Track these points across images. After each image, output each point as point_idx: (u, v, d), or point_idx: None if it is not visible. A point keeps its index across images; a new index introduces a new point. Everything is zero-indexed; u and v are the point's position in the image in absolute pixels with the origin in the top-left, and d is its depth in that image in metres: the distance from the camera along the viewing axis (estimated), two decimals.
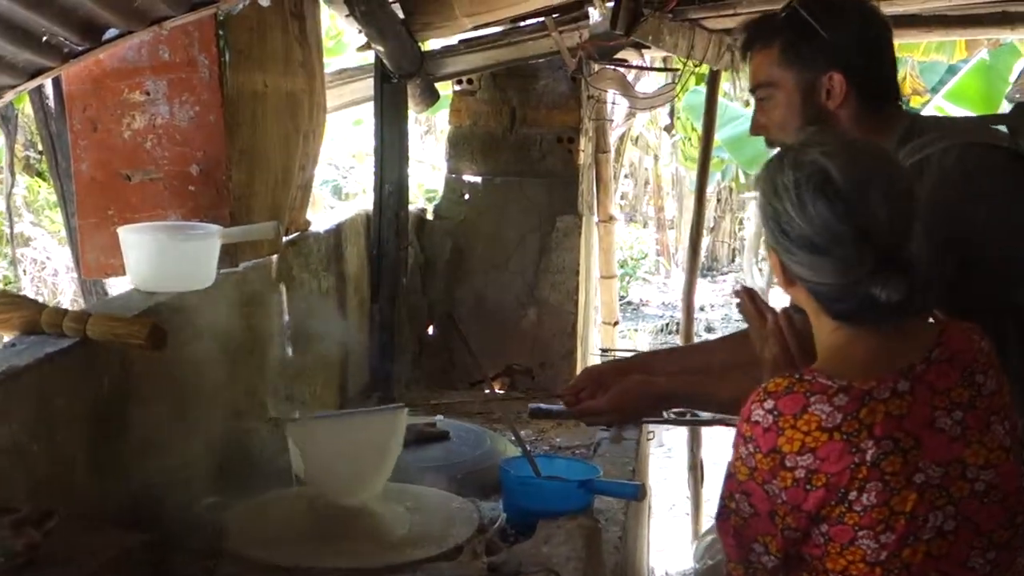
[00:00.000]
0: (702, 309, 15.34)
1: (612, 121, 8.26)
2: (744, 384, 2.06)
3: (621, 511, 2.99)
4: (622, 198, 21.35)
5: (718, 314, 15.27)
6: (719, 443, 7.32)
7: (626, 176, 16.49)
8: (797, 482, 1.76)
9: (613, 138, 8.84)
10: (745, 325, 2.39)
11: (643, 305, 15.94)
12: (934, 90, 9.42)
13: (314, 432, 2.81)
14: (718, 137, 8.80)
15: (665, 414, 3.79)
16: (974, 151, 2.29)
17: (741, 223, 15.79)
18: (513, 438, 3.12)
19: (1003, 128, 2.38)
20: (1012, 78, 8.11)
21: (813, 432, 1.76)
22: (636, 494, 2.82)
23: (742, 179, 10.72)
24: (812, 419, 1.76)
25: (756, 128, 2.51)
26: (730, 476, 1.88)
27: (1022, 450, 1.88)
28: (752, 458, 1.81)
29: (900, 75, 9.52)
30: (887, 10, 4.55)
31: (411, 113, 4.46)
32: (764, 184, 1.90)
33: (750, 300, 2.27)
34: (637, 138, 18.91)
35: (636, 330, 13.19)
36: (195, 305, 2.74)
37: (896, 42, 2.47)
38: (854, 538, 1.77)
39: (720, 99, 9.14)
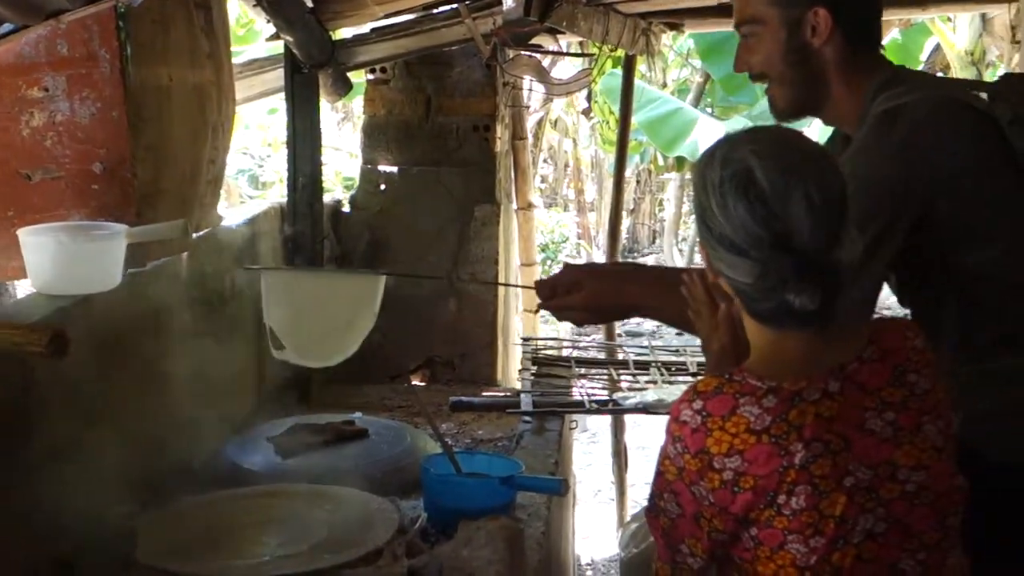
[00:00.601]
0: None
1: (529, 107, 8.23)
2: None
3: (544, 505, 2.95)
4: (542, 182, 21.35)
5: None
6: (643, 429, 7.34)
7: (545, 161, 16.50)
8: (725, 484, 1.74)
9: (531, 123, 8.82)
10: None
11: None
12: None
13: (288, 281, 2.77)
14: (635, 120, 8.79)
15: (587, 401, 3.78)
16: (950, 106, 2.30)
17: (661, 204, 15.86)
18: (433, 434, 3.08)
19: (983, 94, 2.38)
20: (923, 56, 8.20)
21: (742, 434, 1.73)
22: (559, 489, 2.80)
23: (660, 161, 10.74)
24: (741, 421, 1.74)
25: (740, 65, 2.45)
26: (660, 474, 1.85)
27: (955, 449, 1.86)
28: (680, 458, 1.78)
29: None
30: None
31: (326, 102, 4.39)
32: (695, 178, 1.88)
33: (701, 284, 2.15)
34: (556, 121, 18.90)
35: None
36: (100, 308, 2.64)
37: None
38: (783, 542, 1.74)
39: (637, 82, 9.18)
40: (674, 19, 5.02)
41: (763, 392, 1.75)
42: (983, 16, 6.94)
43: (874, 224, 2.14)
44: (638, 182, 18.36)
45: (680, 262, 11.16)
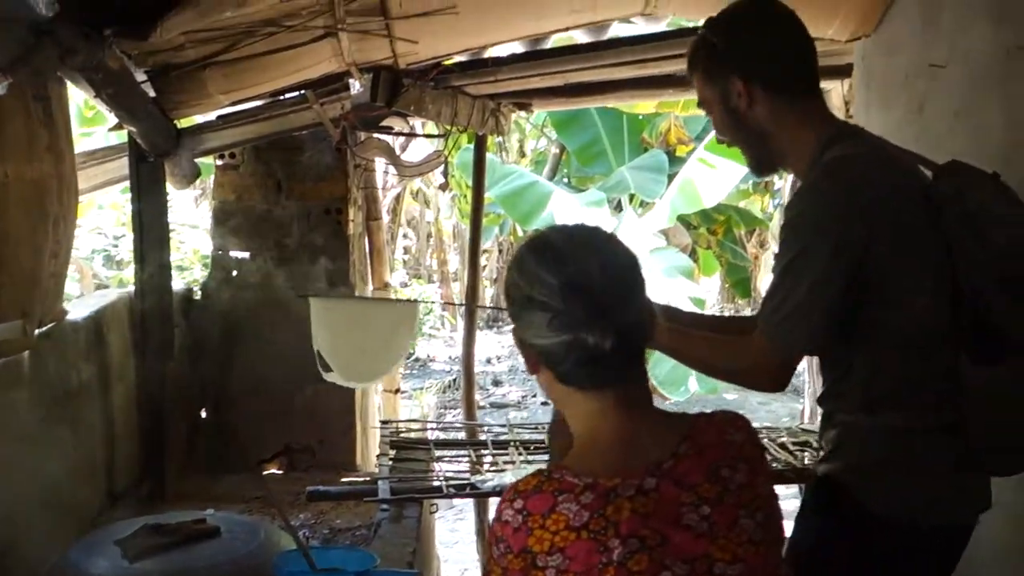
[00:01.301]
0: (488, 362, 15.41)
1: (387, 185, 8.25)
2: (718, 348, 2.44)
3: None
4: (405, 253, 21.35)
5: (504, 366, 15.36)
6: None
7: (405, 235, 16.51)
8: None
9: (388, 198, 8.83)
10: None
11: (430, 361, 15.88)
12: (699, 138, 9.77)
13: (332, 308, 2.97)
14: (492, 194, 8.86)
15: (445, 486, 3.74)
16: (891, 170, 2.44)
17: None
18: (288, 530, 3.02)
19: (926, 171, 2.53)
20: None
21: (562, 531, 1.73)
22: None
23: (520, 232, 10.83)
24: (560, 518, 1.74)
25: (718, 139, 2.67)
26: (488, 574, 1.83)
27: (779, 542, 1.86)
28: (504, 558, 1.77)
29: (665, 126, 9.76)
30: (645, 72, 4.71)
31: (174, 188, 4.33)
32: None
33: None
34: (418, 191, 18.95)
35: (423, 388, 13.11)
36: None
37: (656, 100, 2.59)
38: None
39: (492, 157, 9.28)
40: (522, 99, 5.08)
41: (580, 489, 1.76)
42: (851, 90, 7.14)
43: (813, 255, 2.31)
44: (500, 251, 18.46)
45: None
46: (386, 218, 9.07)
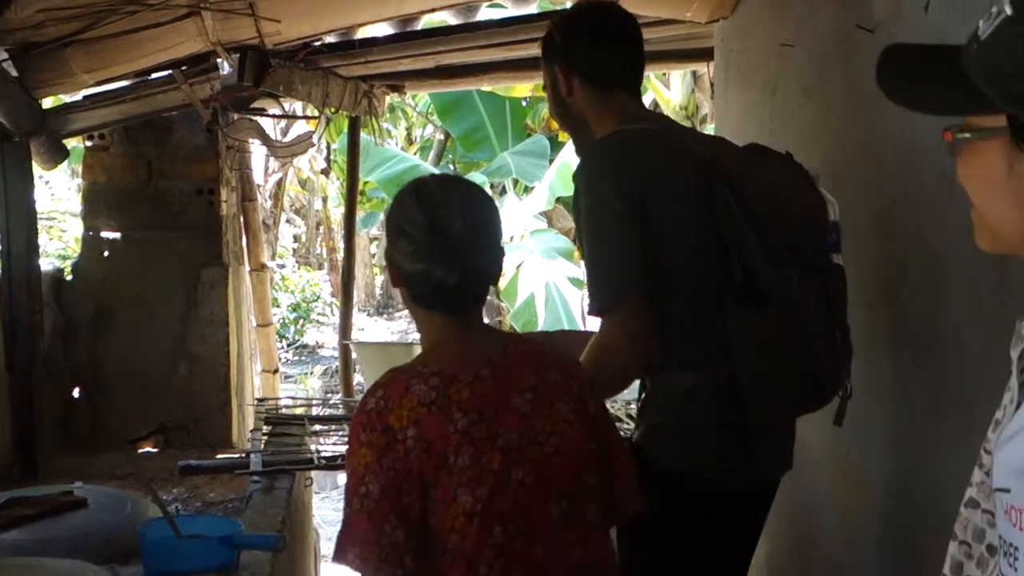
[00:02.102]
0: None
1: (269, 170, 8.26)
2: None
3: (268, 562, 2.98)
4: (295, 240, 21.25)
5: None
6: None
7: (288, 221, 16.44)
8: (408, 451, 2.07)
9: (270, 184, 8.84)
10: None
11: (319, 348, 15.87)
12: None
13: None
14: (374, 178, 8.93)
15: (316, 458, 3.81)
16: (657, 142, 2.71)
17: None
18: (154, 500, 3.07)
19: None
20: None
21: (415, 407, 2.09)
22: (276, 544, 2.84)
23: None
24: (413, 397, 2.10)
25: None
26: (355, 468, 2.12)
27: (592, 424, 2.28)
28: (369, 436, 2.10)
29: (547, 111, 9.91)
30: (516, 55, 4.81)
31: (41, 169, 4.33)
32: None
33: None
34: (306, 181, 18.87)
35: (309, 373, 13.11)
36: None
37: (528, 82, 2.83)
38: (455, 496, 2.08)
39: (373, 142, 9.32)
40: (395, 81, 5.15)
41: (428, 375, 2.13)
42: (694, 73, 7.39)
43: (601, 214, 2.58)
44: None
45: None
46: (268, 203, 9.09)
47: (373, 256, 20.74)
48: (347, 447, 2.23)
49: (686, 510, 2.63)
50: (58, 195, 14.14)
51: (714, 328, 2.58)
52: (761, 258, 2.56)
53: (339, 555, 2.18)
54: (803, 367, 2.62)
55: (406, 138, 17.57)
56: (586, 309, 2.84)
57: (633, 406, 4.21)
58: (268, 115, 4.91)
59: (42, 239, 11.15)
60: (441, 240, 2.16)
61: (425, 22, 5.04)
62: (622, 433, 2.86)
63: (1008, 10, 1.09)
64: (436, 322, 2.26)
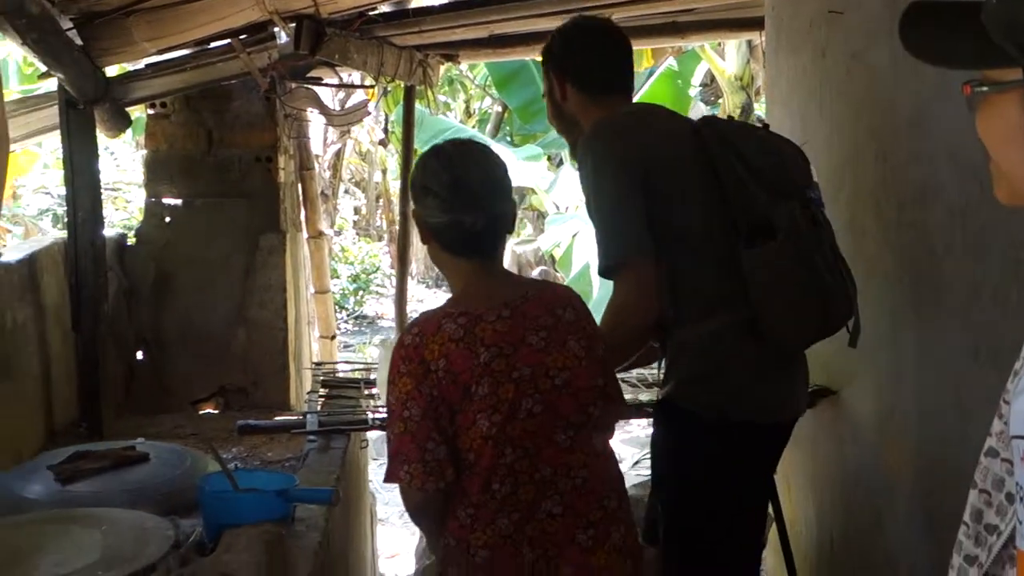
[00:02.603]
0: None
1: (327, 141, 8.35)
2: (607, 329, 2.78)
3: (322, 517, 3.07)
4: (355, 212, 21.39)
5: None
6: None
7: (347, 191, 16.53)
8: (439, 380, 2.40)
9: (328, 154, 8.93)
10: None
11: (378, 318, 15.99)
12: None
13: None
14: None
15: (371, 419, 3.91)
16: (651, 117, 3.06)
17: None
18: (213, 455, 3.17)
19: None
20: (696, 81, 8.60)
21: (446, 343, 2.42)
22: (330, 498, 2.92)
23: None
24: (444, 334, 2.43)
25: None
26: (397, 397, 2.44)
27: (600, 360, 2.55)
28: (408, 366, 2.43)
29: None
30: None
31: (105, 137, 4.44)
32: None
33: None
34: (365, 153, 18.99)
35: (367, 343, 13.25)
36: None
37: None
38: (474, 420, 2.42)
39: (428, 112, 9.38)
40: (449, 51, 5.21)
41: (456, 315, 2.46)
42: (749, 43, 7.38)
43: (606, 185, 2.82)
44: None
45: None
46: (327, 173, 9.19)
47: None
48: (388, 381, 2.51)
49: (723, 455, 2.88)
50: (123, 166, 14.37)
51: (728, 274, 2.81)
52: (763, 196, 2.81)
53: (389, 476, 2.50)
54: (815, 294, 2.82)
55: (465, 111, 17.64)
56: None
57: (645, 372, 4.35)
58: (325, 84, 4.98)
59: (107, 209, 11.37)
60: (464, 192, 2.48)
61: None
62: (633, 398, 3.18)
63: None
64: (464, 269, 2.57)
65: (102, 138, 4.36)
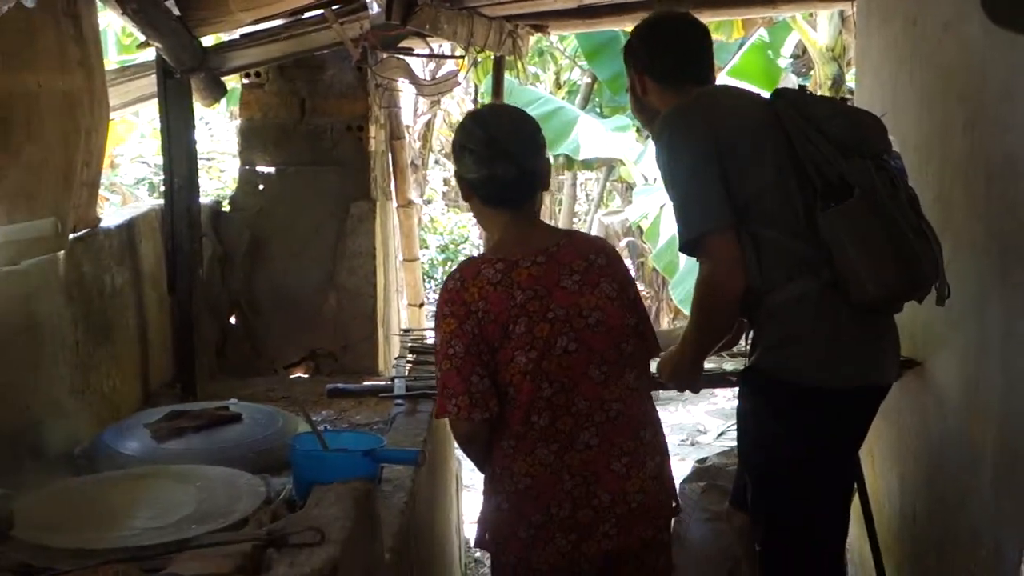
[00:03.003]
0: None
1: (418, 110, 8.41)
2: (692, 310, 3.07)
3: (408, 478, 3.14)
4: (445, 184, 21.50)
5: None
6: None
7: (436, 163, 16.54)
8: (479, 320, 2.72)
9: (419, 125, 9.00)
10: None
11: None
12: (724, 66, 9.82)
13: None
14: None
15: None
16: (725, 95, 3.25)
17: (560, 204, 16.14)
18: (304, 417, 3.24)
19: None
20: (786, 52, 8.49)
21: (484, 287, 2.74)
22: (416, 459, 2.98)
23: (551, 160, 10.99)
24: (483, 278, 2.75)
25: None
26: (442, 336, 2.78)
27: (632, 302, 2.86)
28: (451, 308, 2.75)
29: None
30: None
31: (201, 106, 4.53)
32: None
33: None
34: (456, 124, 19.02)
35: None
36: None
37: None
38: (513, 357, 2.72)
39: (519, 83, 9.40)
40: (538, 21, 5.23)
41: (495, 261, 2.78)
42: (841, 14, 7.27)
43: (682, 158, 2.94)
44: None
45: None
46: (417, 143, 9.26)
47: None
48: (434, 324, 2.84)
49: (807, 421, 2.94)
50: (217, 136, 14.58)
51: (808, 237, 2.87)
52: (838, 158, 2.87)
53: (439, 412, 2.85)
54: (896, 251, 2.84)
55: (555, 82, 17.61)
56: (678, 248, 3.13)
57: None
58: (415, 55, 5.03)
59: (201, 178, 11.57)
60: (498, 146, 2.76)
61: None
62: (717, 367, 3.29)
63: None
64: (501, 219, 2.85)
65: (197, 108, 4.45)
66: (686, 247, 2.97)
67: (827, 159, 2.87)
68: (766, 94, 3.23)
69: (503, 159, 2.76)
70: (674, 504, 2.98)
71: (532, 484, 2.79)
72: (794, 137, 2.91)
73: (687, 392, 3.51)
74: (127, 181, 13.14)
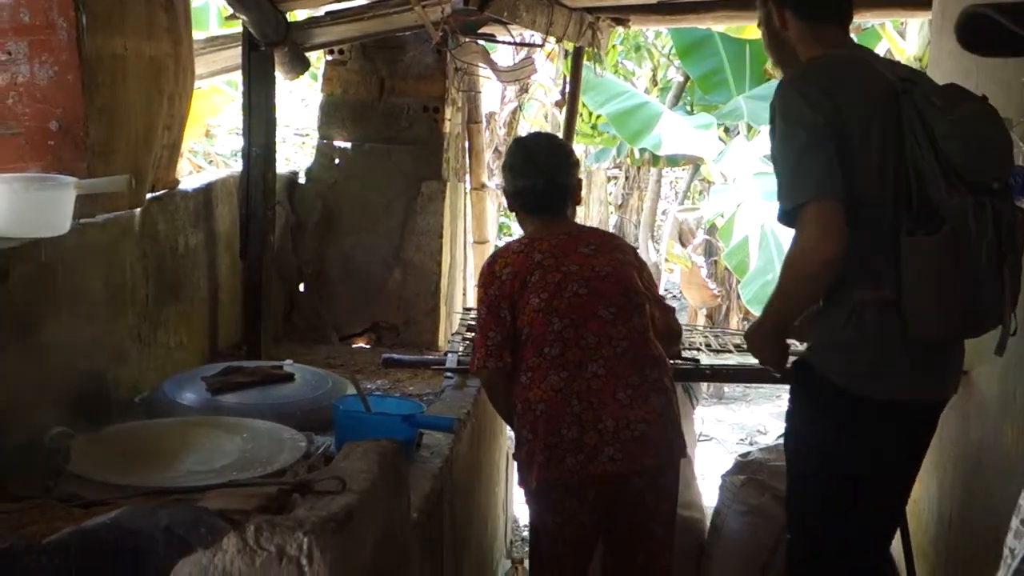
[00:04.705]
0: None
1: (505, 97, 8.51)
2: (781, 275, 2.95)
3: (446, 446, 3.26)
4: None
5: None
6: None
7: None
8: (503, 281, 3.28)
9: (505, 112, 9.12)
10: None
11: None
12: None
13: None
14: (604, 112, 9.07)
15: None
16: (854, 67, 2.94)
17: (643, 199, 16.12)
18: (351, 381, 3.39)
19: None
20: None
21: (510, 256, 3.34)
22: (451, 426, 3.12)
23: (636, 155, 11.02)
24: (510, 250, 3.39)
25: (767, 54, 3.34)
26: (477, 307, 3.48)
27: (638, 267, 3.41)
28: (483, 281, 3.35)
29: None
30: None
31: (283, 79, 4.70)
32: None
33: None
34: (547, 114, 19.10)
35: None
36: (47, 249, 2.94)
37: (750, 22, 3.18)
38: (528, 300, 3.23)
39: (608, 76, 9.46)
40: (619, 15, 5.31)
41: (523, 240, 3.42)
42: (931, 23, 7.19)
43: (798, 128, 2.79)
44: (627, 177, 18.57)
45: (653, 255, 11.47)
46: (502, 130, 9.38)
47: (610, 194, 20.88)
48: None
49: (855, 426, 2.86)
50: (314, 111, 14.81)
51: (884, 250, 2.74)
52: (941, 183, 2.70)
53: (471, 366, 3.44)
54: (966, 293, 2.73)
55: (651, 79, 17.59)
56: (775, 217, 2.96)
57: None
58: (495, 40, 5.14)
59: (294, 152, 11.80)
60: (532, 162, 3.41)
61: None
62: None
63: None
64: (537, 223, 3.43)
65: (298, 85, 4.61)
66: (785, 216, 2.81)
67: (929, 185, 2.72)
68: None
69: (538, 171, 3.40)
70: (682, 443, 3.36)
71: (546, 409, 3.18)
72: (907, 142, 2.76)
73: (751, 391, 3.63)
74: (223, 152, 13.45)
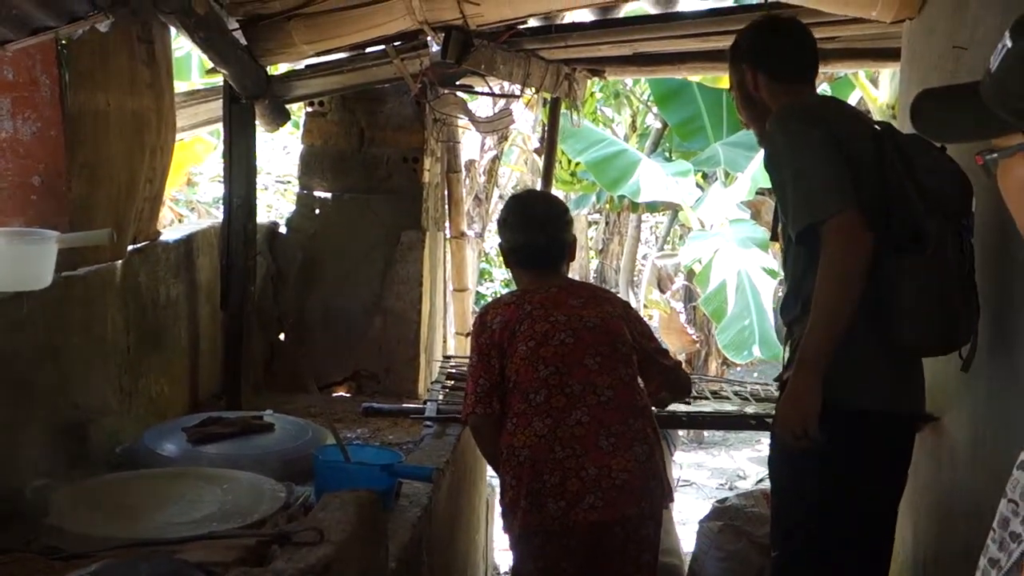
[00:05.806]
0: None
1: (485, 146, 8.60)
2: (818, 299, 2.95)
3: (425, 496, 3.30)
4: None
5: None
6: None
7: (501, 197, 16.77)
8: (493, 331, 3.38)
9: (485, 160, 9.20)
10: None
11: None
12: None
13: None
14: (583, 160, 9.17)
15: None
16: (839, 108, 3.31)
17: (622, 244, 16.25)
18: (330, 430, 3.42)
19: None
20: None
21: (500, 308, 3.45)
22: (430, 476, 3.15)
23: (615, 201, 11.12)
24: (500, 303, 3.53)
25: (738, 118, 3.57)
26: (469, 356, 3.54)
27: (628, 319, 3.49)
28: (475, 332, 3.47)
29: None
30: (711, 46, 4.97)
31: (264, 131, 4.75)
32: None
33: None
34: (527, 159, 19.22)
35: None
36: (29, 303, 2.97)
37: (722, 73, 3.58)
38: (517, 348, 3.32)
39: (585, 123, 9.56)
40: (595, 66, 5.38)
41: (516, 292, 3.53)
42: (901, 72, 7.31)
43: (801, 157, 2.97)
44: (607, 223, 18.68)
45: (632, 300, 11.57)
46: (482, 178, 9.46)
47: (590, 239, 20.98)
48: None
49: (858, 444, 3.01)
50: (295, 160, 14.86)
51: (876, 273, 2.88)
52: (921, 209, 2.88)
53: (463, 413, 3.48)
54: (946, 314, 2.94)
55: (630, 125, 17.75)
56: (793, 233, 3.01)
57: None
58: (473, 92, 5.21)
59: (277, 200, 11.85)
60: (528, 218, 3.53)
61: (626, 11, 5.26)
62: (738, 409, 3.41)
63: (1009, 43, 1.30)
64: (531, 276, 3.52)
65: (280, 133, 4.66)
66: (805, 232, 2.91)
67: (911, 210, 2.90)
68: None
69: (534, 227, 3.51)
70: (665, 492, 3.40)
71: (530, 455, 3.25)
72: (889, 178, 2.93)
73: (731, 436, 3.73)
74: (205, 199, 13.49)
